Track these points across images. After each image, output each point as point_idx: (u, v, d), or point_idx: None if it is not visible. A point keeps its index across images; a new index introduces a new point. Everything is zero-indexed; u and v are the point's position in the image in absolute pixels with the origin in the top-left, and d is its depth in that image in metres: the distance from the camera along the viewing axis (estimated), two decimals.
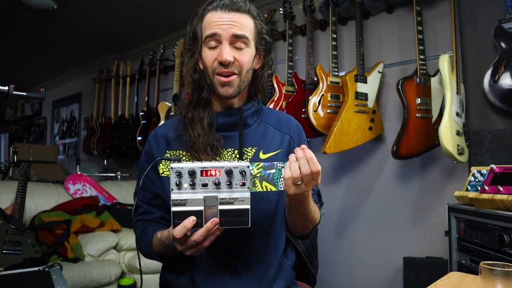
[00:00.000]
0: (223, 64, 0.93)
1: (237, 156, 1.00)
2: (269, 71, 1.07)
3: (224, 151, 1.00)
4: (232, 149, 1.00)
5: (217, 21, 0.94)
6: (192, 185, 0.79)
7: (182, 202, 0.78)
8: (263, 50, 1.02)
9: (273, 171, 0.99)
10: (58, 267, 1.14)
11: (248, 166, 0.79)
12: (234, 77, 0.96)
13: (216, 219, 0.78)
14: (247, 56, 0.97)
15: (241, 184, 0.79)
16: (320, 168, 0.81)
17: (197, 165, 0.79)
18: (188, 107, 1.02)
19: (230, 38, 0.94)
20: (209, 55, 0.96)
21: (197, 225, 0.78)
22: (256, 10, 1.00)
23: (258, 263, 0.98)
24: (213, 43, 0.95)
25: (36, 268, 1.12)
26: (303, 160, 0.81)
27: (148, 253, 0.99)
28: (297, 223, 1.00)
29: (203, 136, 0.96)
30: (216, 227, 0.79)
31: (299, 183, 0.82)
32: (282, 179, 0.99)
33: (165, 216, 1.03)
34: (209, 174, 0.79)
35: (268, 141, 1.03)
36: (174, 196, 0.78)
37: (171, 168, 0.79)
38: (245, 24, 0.96)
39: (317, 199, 1.12)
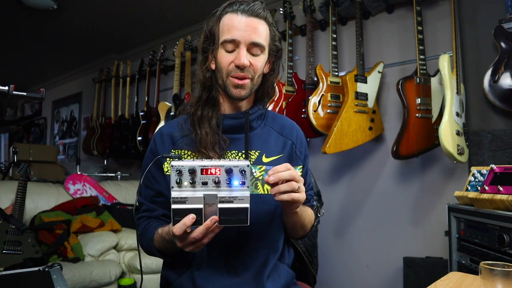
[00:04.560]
0: (240, 67, 0.96)
1: (242, 158, 1.01)
2: (278, 76, 1.10)
3: (228, 152, 1.01)
4: (236, 151, 1.02)
5: (237, 25, 0.96)
6: (192, 183, 0.79)
7: (182, 200, 0.79)
8: (274, 56, 1.05)
9: None
10: (58, 267, 1.14)
11: (248, 165, 0.80)
12: (247, 81, 0.98)
13: (216, 217, 0.79)
14: (261, 62, 1.00)
15: (240, 182, 0.80)
16: (294, 174, 0.84)
17: (197, 163, 0.79)
18: (197, 105, 1.03)
19: (248, 44, 0.96)
20: (225, 57, 0.98)
21: (197, 223, 0.79)
22: (271, 17, 1.03)
23: (256, 263, 1.00)
24: (230, 47, 0.97)
25: (36, 268, 1.12)
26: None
27: (150, 249, 1.01)
28: (294, 230, 1.07)
29: (211, 135, 0.98)
30: (215, 225, 0.80)
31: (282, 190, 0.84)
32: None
33: (168, 213, 1.04)
34: (209, 173, 0.79)
35: (271, 145, 1.05)
36: (174, 193, 0.79)
37: (172, 166, 0.79)
38: (262, 31, 0.99)
39: (317, 199, 1.13)
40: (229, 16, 0.98)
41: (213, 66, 1.02)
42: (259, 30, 0.98)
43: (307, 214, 1.05)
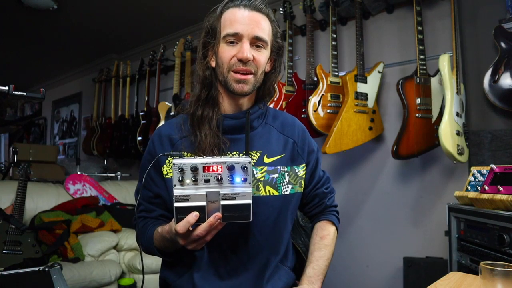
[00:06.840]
0: (242, 61, 0.94)
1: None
2: (279, 75, 1.08)
3: (229, 154, 1.00)
4: (237, 152, 1.00)
5: (239, 19, 0.94)
6: (195, 181, 0.79)
7: (185, 198, 0.79)
8: (275, 54, 1.04)
9: (276, 175, 1.00)
10: (58, 267, 1.13)
11: (249, 162, 0.80)
12: (250, 76, 0.96)
13: (219, 214, 0.79)
14: (264, 57, 0.98)
15: (242, 179, 0.80)
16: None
17: (199, 160, 0.80)
18: (196, 104, 1.01)
19: (251, 38, 0.95)
20: (227, 51, 0.95)
21: (200, 220, 0.79)
22: (273, 14, 1.02)
23: (256, 265, 0.99)
24: (232, 40, 0.95)
25: (36, 268, 1.12)
26: None
27: (149, 249, 1.00)
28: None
29: (210, 137, 0.96)
30: (218, 222, 0.80)
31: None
32: (285, 183, 1.00)
33: (166, 214, 1.04)
34: (211, 170, 0.80)
35: (272, 145, 1.03)
36: (176, 192, 0.79)
37: (174, 164, 0.79)
38: (265, 26, 0.97)
39: (333, 199, 1.14)
40: (231, 11, 0.96)
41: (213, 64, 1.00)
42: (262, 25, 0.96)
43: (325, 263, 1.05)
